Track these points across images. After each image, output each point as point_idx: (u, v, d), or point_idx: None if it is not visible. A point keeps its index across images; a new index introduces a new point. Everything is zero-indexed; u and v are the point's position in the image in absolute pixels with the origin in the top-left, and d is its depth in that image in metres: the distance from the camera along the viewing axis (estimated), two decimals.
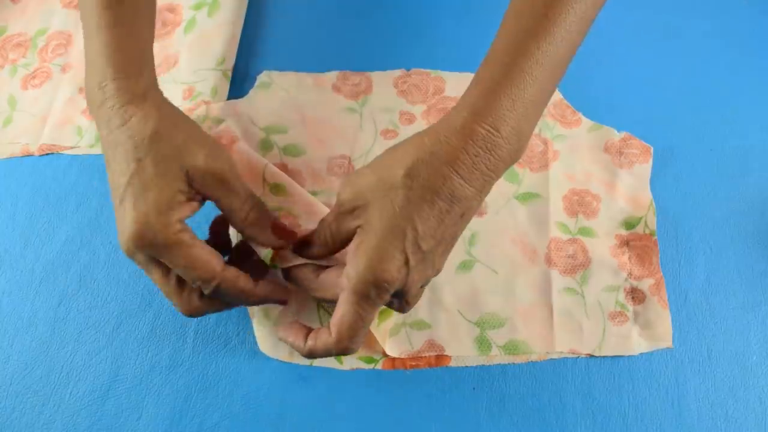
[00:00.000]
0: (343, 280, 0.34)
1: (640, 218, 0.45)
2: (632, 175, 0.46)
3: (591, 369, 0.41)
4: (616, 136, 0.48)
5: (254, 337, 0.41)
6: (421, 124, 0.49)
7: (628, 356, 0.41)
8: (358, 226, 0.34)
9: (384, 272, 0.31)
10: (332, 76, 0.51)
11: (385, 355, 0.41)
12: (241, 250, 0.40)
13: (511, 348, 0.41)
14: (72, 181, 0.48)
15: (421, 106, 0.49)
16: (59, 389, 0.41)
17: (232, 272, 0.35)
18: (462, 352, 0.41)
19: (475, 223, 0.44)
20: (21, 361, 0.42)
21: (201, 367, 0.41)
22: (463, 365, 0.41)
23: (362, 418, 0.40)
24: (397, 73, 0.51)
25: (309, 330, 0.36)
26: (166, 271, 0.35)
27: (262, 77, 0.51)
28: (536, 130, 0.48)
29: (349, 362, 0.41)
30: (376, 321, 0.41)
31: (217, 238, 0.40)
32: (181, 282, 0.35)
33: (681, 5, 0.55)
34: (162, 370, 0.41)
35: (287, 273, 0.38)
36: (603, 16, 0.55)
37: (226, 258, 0.40)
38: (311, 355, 0.35)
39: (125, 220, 0.33)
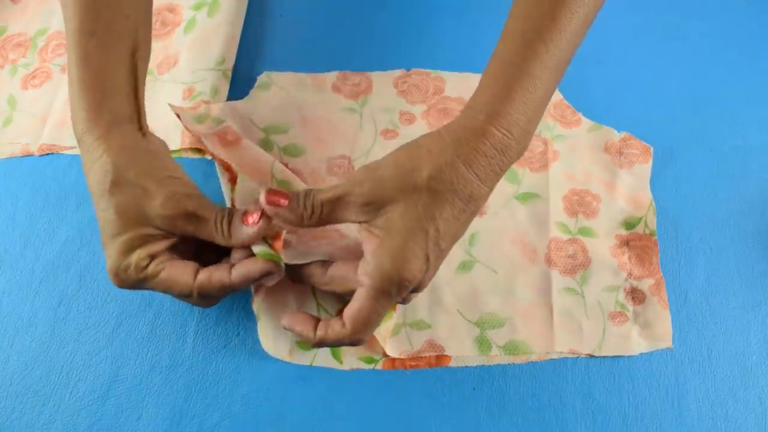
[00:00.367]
0: (361, 275, 0.34)
1: (640, 218, 0.45)
2: (632, 175, 0.46)
3: (591, 369, 0.41)
4: (616, 136, 0.48)
5: (254, 337, 0.41)
6: (421, 124, 0.49)
7: (628, 356, 0.41)
8: (363, 222, 0.34)
9: (408, 271, 0.33)
10: (332, 76, 0.51)
11: (385, 355, 0.41)
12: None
13: (511, 348, 0.41)
14: (72, 181, 0.48)
15: (421, 106, 0.49)
16: (59, 389, 0.41)
17: (204, 275, 0.36)
18: (462, 352, 0.41)
19: (475, 223, 0.44)
20: (21, 361, 0.42)
21: (201, 367, 0.41)
22: (463, 365, 0.41)
23: (362, 418, 0.40)
24: (397, 73, 0.51)
25: (316, 320, 0.36)
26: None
27: (262, 77, 0.51)
28: (537, 130, 0.48)
29: (349, 362, 0.41)
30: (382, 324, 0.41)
31: None
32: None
33: (681, 5, 0.55)
34: (162, 370, 0.41)
35: (294, 271, 0.39)
36: (603, 16, 0.55)
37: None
38: (321, 344, 0.36)
39: (107, 263, 0.36)
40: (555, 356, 0.41)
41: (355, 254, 0.38)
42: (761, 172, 0.47)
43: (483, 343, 0.41)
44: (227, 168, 0.43)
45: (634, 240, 0.44)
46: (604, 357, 0.41)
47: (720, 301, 0.43)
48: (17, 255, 0.45)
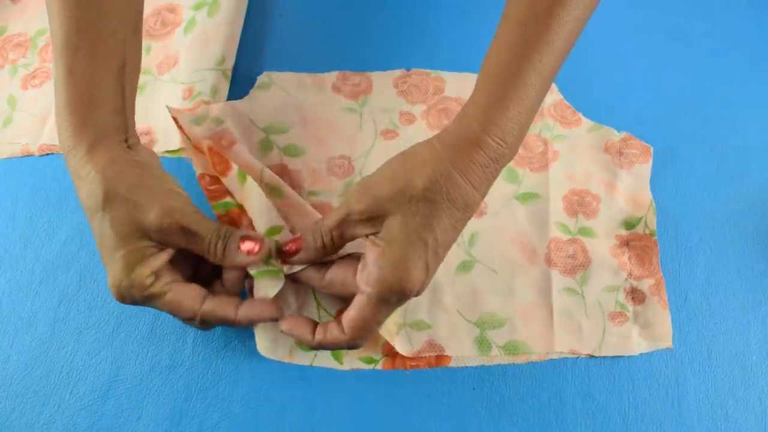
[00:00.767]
0: (360, 281, 0.35)
1: (640, 218, 0.45)
2: (632, 175, 0.46)
3: (591, 369, 0.41)
4: (616, 136, 0.48)
5: (254, 337, 0.41)
6: (421, 124, 0.49)
7: (628, 356, 0.41)
8: (371, 234, 0.35)
9: (409, 281, 0.34)
10: (332, 76, 0.51)
11: (385, 355, 0.41)
12: None
13: (511, 348, 0.41)
14: (72, 181, 0.48)
15: (421, 106, 0.49)
16: (59, 389, 0.41)
17: (211, 305, 0.37)
18: (462, 352, 0.41)
19: (475, 224, 0.44)
20: (21, 361, 0.42)
21: (201, 367, 0.41)
22: (463, 365, 0.41)
23: (362, 418, 0.40)
24: (397, 73, 0.51)
25: (314, 324, 0.37)
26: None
27: (262, 78, 0.51)
28: (536, 130, 0.48)
29: (349, 362, 0.41)
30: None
31: None
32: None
33: (681, 5, 0.55)
34: (162, 370, 0.41)
35: (292, 274, 0.39)
36: (603, 16, 0.55)
37: None
38: (319, 347, 0.36)
39: (108, 280, 0.35)
40: (555, 356, 0.41)
41: (350, 256, 0.38)
42: (761, 172, 0.47)
43: (483, 344, 0.41)
44: (218, 162, 0.43)
45: (634, 240, 0.44)
46: (604, 357, 0.41)
47: (720, 301, 0.43)
48: (17, 255, 0.45)
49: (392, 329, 0.41)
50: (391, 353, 0.41)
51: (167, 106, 0.44)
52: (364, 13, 0.54)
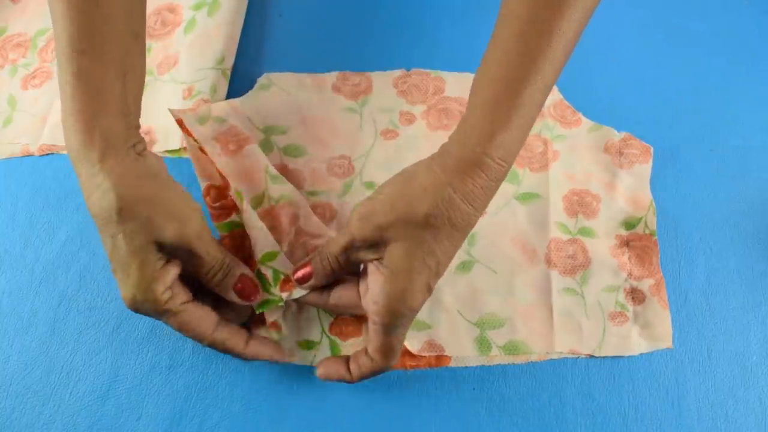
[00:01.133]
0: (369, 310, 0.36)
1: (640, 218, 0.45)
2: (632, 175, 0.46)
3: (591, 369, 0.41)
4: (616, 136, 0.48)
5: None
6: (421, 124, 0.49)
7: (628, 356, 0.41)
8: (375, 259, 0.36)
9: (414, 303, 0.35)
10: (332, 76, 0.51)
11: None
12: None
13: (510, 348, 0.41)
14: (72, 181, 0.48)
15: (421, 106, 0.49)
16: (59, 389, 0.41)
17: (223, 334, 0.37)
18: (462, 352, 0.41)
19: None
20: (21, 361, 0.42)
21: (201, 367, 0.41)
22: (463, 365, 0.41)
23: (362, 418, 0.40)
24: (397, 73, 0.51)
25: (346, 360, 0.38)
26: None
27: (262, 79, 0.51)
28: (536, 130, 0.48)
29: None
30: None
31: None
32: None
33: (681, 5, 0.55)
34: (162, 370, 0.41)
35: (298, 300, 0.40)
36: (603, 16, 0.55)
37: None
38: (360, 380, 0.38)
39: (120, 291, 0.35)
40: (555, 356, 0.41)
41: (351, 278, 0.39)
42: (761, 172, 0.47)
43: (483, 344, 0.41)
44: (221, 179, 0.43)
45: (634, 240, 0.44)
46: (604, 357, 0.41)
47: (720, 301, 0.43)
48: (17, 255, 0.45)
49: None
50: None
51: (169, 109, 0.44)
52: (364, 13, 0.54)
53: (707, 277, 0.44)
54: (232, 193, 0.42)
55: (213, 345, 0.37)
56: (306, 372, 0.41)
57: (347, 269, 0.38)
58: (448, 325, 0.41)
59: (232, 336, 0.38)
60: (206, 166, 0.44)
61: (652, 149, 0.47)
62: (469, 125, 0.35)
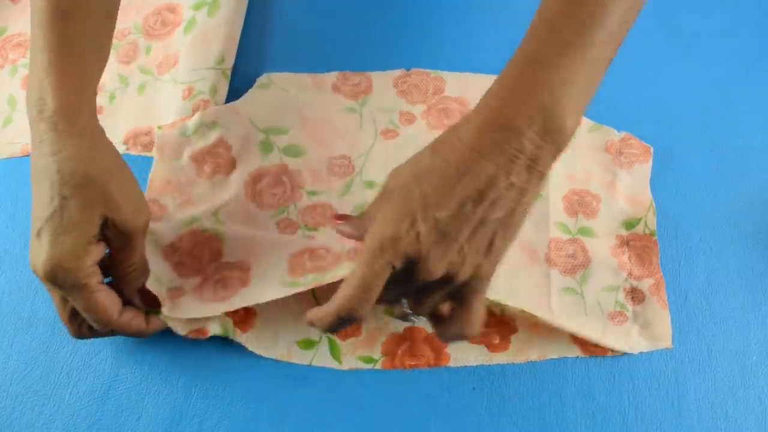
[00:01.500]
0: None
1: (640, 218, 0.45)
2: (632, 175, 0.46)
3: (591, 369, 0.41)
4: (616, 136, 0.48)
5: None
6: (421, 124, 0.49)
7: (628, 356, 0.41)
8: None
9: (389, 229, 0.31)
10: (332, 76, 0.51)
11: (384, 354, 0.41)
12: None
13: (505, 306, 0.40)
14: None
15: (421, 106, 0.49)
16: (59, 389, 0.41)
17: (127, 318, 0.37)
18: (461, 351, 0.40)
19: None
20: (21, 361, 0.42)
21: (201, 367, 0.41)
22: (463, 365, 0.41)
23: (362, 418, 0.40)
24: (397, 73, 0.51)
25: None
26: (65, 300, 0.37)
27: (262, 79, 0.51)
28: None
29: (348, 362, 0.41)
30: (381, 323, 0.41)
31: None
32: (74, 311, 0.38)
33: (681, 5, 0.55)
34: (162, 370, 0.41)
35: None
36: None
37: None
38: (332, 322, 0.33)
39: (40, 255, 0.34)
40: (554, 356, 0.41)
41: None
42: (761, 172, 0.47)
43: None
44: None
45: (634, 240, 0.44)
46: (604, 357, 0.41)
47: (720, 301, 0.43)
48: (17, 255, 0.45)
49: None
50: (390, 353, 0.41)
51: (157, 127, 0.45)
52: (364, 13, 0.54)
53: (707, 277, 0.44)
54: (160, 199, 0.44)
55: (118, 327, 0.37)
56: (306, 372, 0.41)
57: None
58: None
59: (134, 318, 0.38)
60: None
61: (652, 149, 0.47)
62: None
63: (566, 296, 0.42)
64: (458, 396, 0.40)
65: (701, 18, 0.54)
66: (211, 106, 0.48)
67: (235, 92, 0.50)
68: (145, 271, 0.39)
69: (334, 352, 0.41)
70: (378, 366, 0.41)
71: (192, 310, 0.40)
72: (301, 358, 0.41)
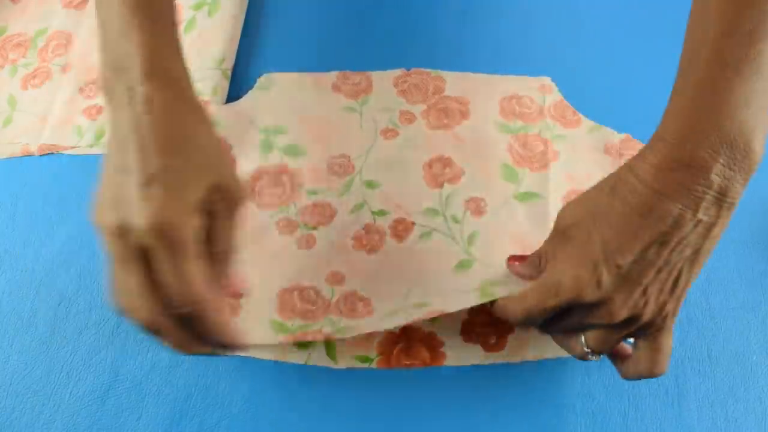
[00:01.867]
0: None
1: None
2: None
3: (591, 369, 0.41)
4: (616, 137, 0.48)
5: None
6: (421, 124, 0.49)
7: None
8: None
9: (568, 275, 0.31)
10: (332, 75, 0.51)
11: (379, 353, 0.41)
12: None
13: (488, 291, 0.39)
14: (72, 181, 0.48)
15: (421, 106, 0.49)
16: (59, 389, 0.41)
17: (212, 300, 0.31)
18: (466, 304, 0.38)
19: (474, 223, 0.44)
20: (21, 361, 0.42)
21: (201, 367, 0.41)
22: (460, 364, 0.41)
23: (362, 418, 0.40)
24: (397, 72, 0.51)
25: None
26: (147, 272, 0.31)
27: (262, 79, 0.51)
28: (536, 130, 0.48)
29: (344, 361, 0.41)
30: (382, 324, 0.41)
31: None
32: (149, 285, 0.31)
33: (681, 5, 0.55)
34: (162, 370, 0.41)
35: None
36: (604, 15, 0.55)
37: None
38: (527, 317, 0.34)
39: (145, 206, 0.29)
40: (551, 356, 0.41)
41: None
42: (761, 172, 0.47)
43: (484, 294, 0.38)
44: None
45: None
46: (604, 357, 0.41)
47: (720, 301, 0.43)
48: (17, 255, 0.45)
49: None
50: (385, 352, 0.41)
51: None
52: (364, 13, 0.54)
53: (707, 277, 0.44)
54: None
55: (200, 310, 0.31)
56: (306, 372, 0.41)
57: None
58: (447, 299, 0.40)
59: (219, 302, 0.33)
60: None
61: None
62: (666, 118, 0.31)
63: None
64: (458, 396, 0.40)
65: None
66: (211, 107, 0.48)
67: (235, 92, 0.50)
68: (234, 252, 0.35)
69: (330, 351, 0.41)
70: (374, 365, 0.41)
71: None
72: (296, 357, 0.41)
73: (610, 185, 0.32)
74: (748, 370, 0.41)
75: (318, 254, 0.44)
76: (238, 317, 0.42)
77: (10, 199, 0.48)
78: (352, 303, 0.42)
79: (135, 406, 0.40)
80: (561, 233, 0.33)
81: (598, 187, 0.33)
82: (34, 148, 0.49)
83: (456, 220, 0.45)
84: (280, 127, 0.48)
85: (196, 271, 0.31)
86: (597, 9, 0.55)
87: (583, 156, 0.47)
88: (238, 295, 0.38)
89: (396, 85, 0.50)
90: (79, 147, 0.49)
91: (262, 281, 0.43)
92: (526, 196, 0.46)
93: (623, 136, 0.48)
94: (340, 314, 0.41)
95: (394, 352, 0.41)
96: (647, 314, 0.31)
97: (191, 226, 0.31)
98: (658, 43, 0.53)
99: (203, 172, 0.32)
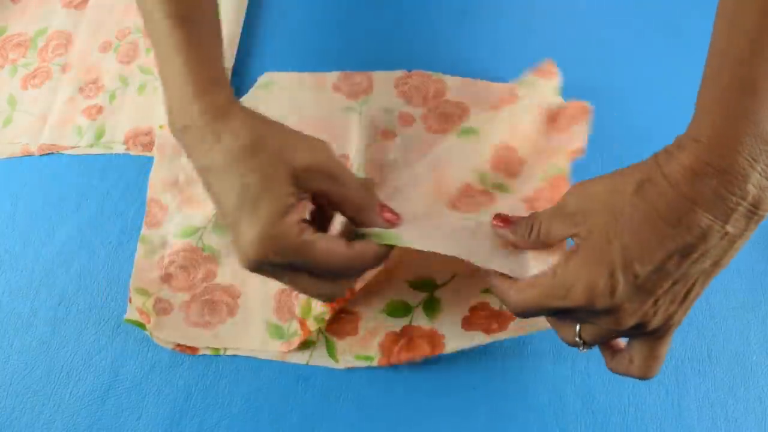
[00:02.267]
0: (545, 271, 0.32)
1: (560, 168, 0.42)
2: (567, 134, 0.44)
3: (591, 369, 0.41)
4: (559, 105, 0.46)
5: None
6: (420, 126, 0.49)
7: None
8: (574, 234, 0.32)
9: (582, 278, 0.30)
10: (333, 75, 0.51)
11: (380, 352, 0.41)
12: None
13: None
14: (72, 181, 0.48)
15: (420, 108, 0.49)
16: (59, 389, 0.41)
17: (359, 248, 0.34)
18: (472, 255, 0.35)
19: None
20: (21, 361, 0.42)
21: (201, 367, 0.41)
22: (458, 349, 0.40)
23: (362, 417, 0.40)
24: (399, 73, 0.51)
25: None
26: (296, 272, 0.34)
27: (263, 78, 0.51)
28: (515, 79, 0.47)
29: (345, 361, 0.41)
30: (379, 322, 0.41)
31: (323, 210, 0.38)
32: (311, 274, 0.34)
33: (683, 4, 0.55)
34: (162, 370, 0.41)
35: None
36: (604, 15, 0.55)
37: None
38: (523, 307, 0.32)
39: (245, 239, 0.32)
40: (533, 330, 0.39)
41: (480, 235, 0.35)
42: None
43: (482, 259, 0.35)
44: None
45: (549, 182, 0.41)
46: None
47: (720, 301, 0.43)
48: (17, 255, 0.45)
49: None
50: (386, 350, 0.41)
51: (158, 127, 0.45)
52: (364, 13, 0.54)
53: None
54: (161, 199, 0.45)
55: (355, 261, 0.33)
56: (306, 372, 0.41)
57: (540, 241, 0.34)
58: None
59: (364, 245, 0.34)
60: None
61: (590, 107, 0.45)
62: (695, 119, 0.30)
63: (458, 223, 0.37)
64: (458, 396, 0.40)
65: (703, 17, 0.54)
66: None
67: (235, 92, 0.50)
68: (370, 187, 0.35)
69: (331, 351, 0.41)
70: (374, 363, 0.41)
71: (177, 333, 0.41)
72: (298, 357, 0.41)
73: (636, 182, 0.30)
74: (748, 370, 0.41)
75: None
76: (235, 317, 0.42)
77: (10, 199, 0.48)
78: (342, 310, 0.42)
79: (135, 406, 0.40)
80: (568, 216, 0.32)
81: (621, 180, 0.30)
82: (34, 148, 0.49)
83: None
84: None
85: (322, 248, 0.32)
86: (597, 9, 0.55)
87: (534, 115, 0.45)
88: (395, 220, 0.36)
89: (396, 86, 0.50)
90: (79, 147, 0.49)
91: (259, 282, 0.43)
92: (467, 131, 0.44)
93: (566, 103, 0.46)
94: (324, 307, 0.41)
95: (395, 350, 0.41)
96: (654, 324, 0.30)
97: (289, 225, 0.31)
98: (658, 42, 0.53)
99: (275, 171, 0.32)
